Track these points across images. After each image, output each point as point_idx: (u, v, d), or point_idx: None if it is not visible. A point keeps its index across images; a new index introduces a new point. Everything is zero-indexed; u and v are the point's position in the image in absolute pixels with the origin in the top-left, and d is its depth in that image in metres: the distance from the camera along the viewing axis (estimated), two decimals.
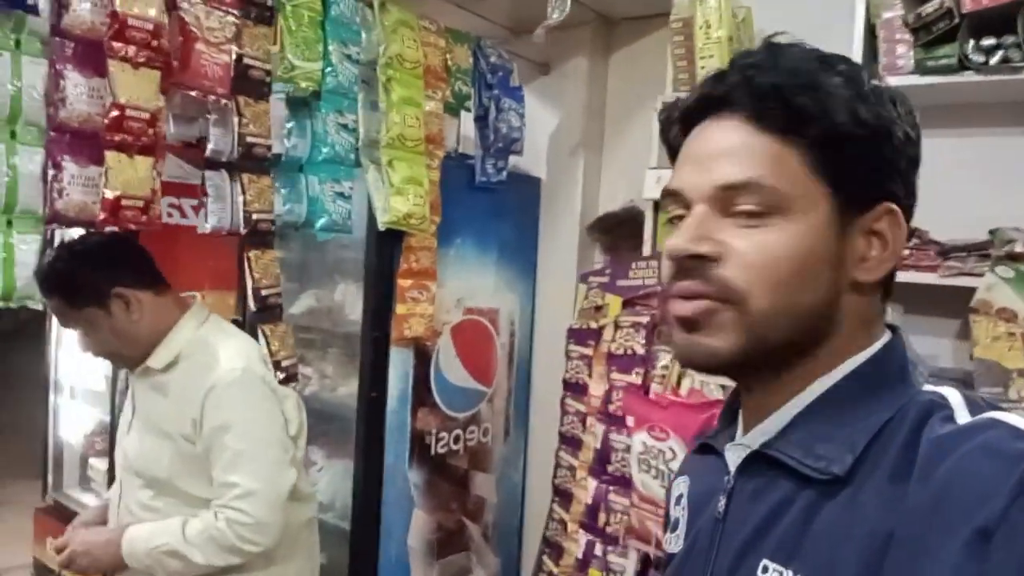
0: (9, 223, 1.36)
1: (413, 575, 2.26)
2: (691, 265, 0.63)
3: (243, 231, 1.64)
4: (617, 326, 2.16)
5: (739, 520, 0.67)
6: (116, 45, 1.43)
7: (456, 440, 2.36)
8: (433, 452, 2.28)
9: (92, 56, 1.43)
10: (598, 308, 2.30)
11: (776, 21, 2.26)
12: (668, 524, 0.82)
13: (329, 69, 1.83)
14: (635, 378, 2.07)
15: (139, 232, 1.60)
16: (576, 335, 2.31)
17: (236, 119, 1.65)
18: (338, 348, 2.40)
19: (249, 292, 1.66)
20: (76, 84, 1.43)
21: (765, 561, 0.62)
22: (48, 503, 3.25)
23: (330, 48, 1.83)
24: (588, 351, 2.27)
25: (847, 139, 0.63)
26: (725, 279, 0.62)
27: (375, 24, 1.96)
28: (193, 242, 2.08)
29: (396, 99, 1.97)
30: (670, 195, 0.68)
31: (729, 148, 0.64)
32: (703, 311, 0.63)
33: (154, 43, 1.49)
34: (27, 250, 1.39)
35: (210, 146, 1.70)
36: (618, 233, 2.48)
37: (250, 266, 1.64)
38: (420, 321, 2.12)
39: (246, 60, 1.66)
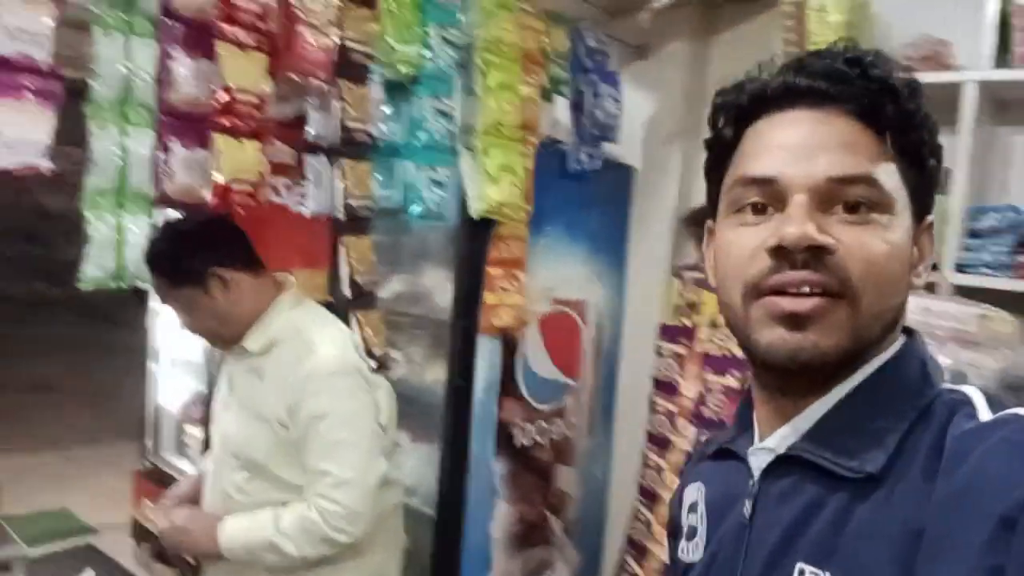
0: (120, 204, 1.38)
1: (495, 565, 2.25)
2: (805, 257, 0.62)
3: (342, 217, 1.63)
4: (715, 325, 2.08)
5: (767, 524, 0.66)
6: (226, 28, 1.43)
7: (541, 432, 2.32)
8: (517, 443, 2.25)
9: (200, 38, 1.43)
10: (692, 305, 2.22)
11: (899, 5, 2.13)
12: (679, 532, 0.81)
13: (428, 52, 1.80)
14: (731, 381, 1.99)
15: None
16: (668, 332, 2.24)
17: (338, 104, 1.64)
18: (426, 334, 2.38)
19: (345, 279, 1.66)
20: (184, 66, 1.43)
21: (800, 564, 0.62)
22: (146, 466, 3.38)
23: (429, 31, 1.80)
24: (681, 349, 2.20)
25: (930, 154, 0.67)
26: (845, 270, 0.61)
27: (473, 6, 1.91)
28: (284, 220, 2.09)
29: (493, 84, 1.92)
30: (753, 182, 0.66)
31: (840, 140, 0.63)
32: (820, 308, 0.62)
33: (262, 26, 1.49)
34: (137, 232, 1.40)
35: (311, 131, 1.70)
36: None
37: (347, 252, 1.64)
38: (509, 311, 2.09)
39: (348, 44, 1.64)
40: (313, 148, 1.69)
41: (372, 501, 1.52)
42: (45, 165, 1.23)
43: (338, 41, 1.62)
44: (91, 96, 1.33)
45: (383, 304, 2.45)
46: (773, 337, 0.63)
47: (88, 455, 4.56)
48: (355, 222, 1.66)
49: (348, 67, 1.65)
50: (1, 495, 3.96)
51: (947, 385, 0.66)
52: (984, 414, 0.61)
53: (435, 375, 2.28)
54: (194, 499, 1.64)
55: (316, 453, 1.49)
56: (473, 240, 2.05)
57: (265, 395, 1.53)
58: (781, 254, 0.63)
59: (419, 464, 2.31)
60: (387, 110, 1.85)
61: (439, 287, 2.32)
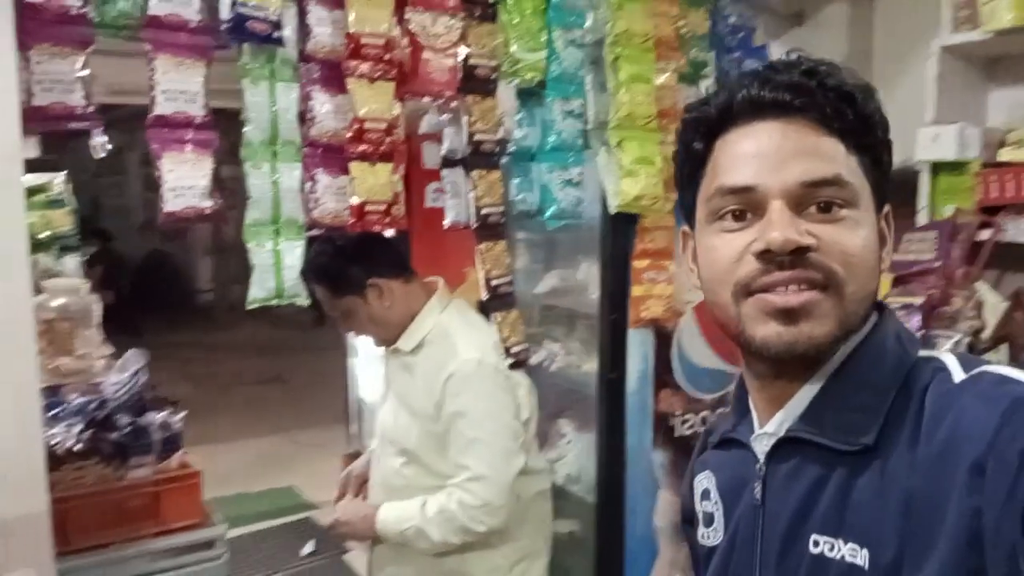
0: (277, 231, 1.57)
1: (660, 553, 2.26)
2: (791, 259, 0.67)
3: (474, 225, 1.72)
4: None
5: (779, 503, 0.72)
6: (352, 63, 1.56)
7: (703, 422, 2.28)
8: (677, 434, 2.23)
9: (335, 76, 1.58)
10: None
11: None
12: (696, 520, 0.86)
13: (553, 57, 1.83)
14: None
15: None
16: None
17: (466, 118, 1.73)
18: (582, 327, 2.43)
19: (481, 282, 1.75)
20: (323, 103, 1.59)
21: (815, 536, 0.68)
22: (352, 450, 3.76)
23: (554, 35, 1.83)
24: None
25: (885, 150, 0.73)
26: (829, 266, 0.67)
27: (600, 3, 1.91)
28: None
29: (624, 77, 1.91)
30: (731, 192, 0.71)
31: (808, 147, 0.69)
32: (810, 301, 0.67)
33: (386, 56, 1.61)
34: (293, 254, 1.58)
35: (446, 145, 1.81)
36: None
37: (482, 258, 1.73)
38: (658, 302, 2.07)
39: (472, 60, 1.72)
40: (449, 162, 1.79)
41: (509, 495, 1.61)
42: (206, 205, 1.43)
43: (462, 59, 1.71)
44: (245, 139, 1.53)
45: (539, 299, 2.54)
46: (768, 332, 0.68)
47: (310, 439, 5.12)
48: (488, 228, 1.74)
49: (473, 81, 1.73)
50: (238, 476, 4.57)
51: (923, 353, 0.71)
52: (958, 375, 0.66)
53: (592, 367, 2.32)
54: (367, 476, 1.85)
55: (456, 448, 1.61)
56: (616, 234, 2.05)
57: (416, 391, 1.67)
58: (767, 257, 0.68)
59: (581, 454, 2.37)
60: (519, 115, 1.92)
61: (593, 280, 2.35)
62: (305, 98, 1.57)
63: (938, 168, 1.88)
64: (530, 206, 1.92)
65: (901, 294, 1.86)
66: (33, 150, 3.61)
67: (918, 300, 1.80)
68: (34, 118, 1.33)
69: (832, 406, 0.70)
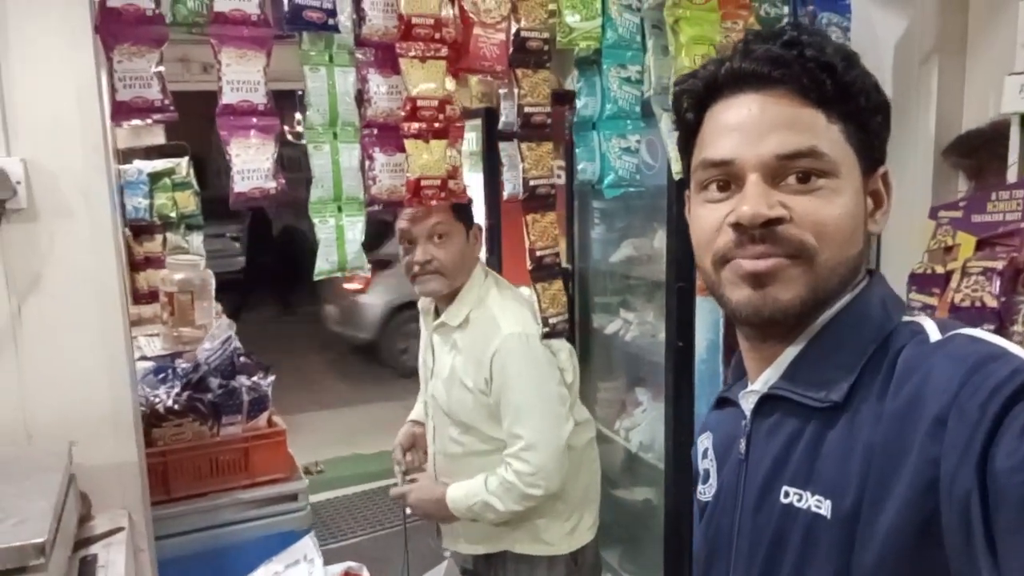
0: (339, 208, 1.67)
1: None
2: (761, 232, 0.70)
3: (521, 197, 1.76)
4: (965, 272, 1.81)
5: (759, 457, 0.76)
6: (404, 44, 1.63)
7: None
8: None
9: (389, 58, 1.65)
10: (948, 249, 1.95)
11: None
12: (698, 478, 0.90)
13: (608, 23, 1.83)
14: None
15: None
16: (919, 281, 1.99)
17: (516, 91, 1.76)
18: (657, 295, 2.42)
19: (527, 252, 1.78)
20: (378, 84, 1.66)
21: (786, 487, 0.71)
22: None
23: (608, 1, 1.82)
24: (933, 300, 1.94)
25: (873, 114, 0.74)
26: (799, 237, 0.70)
27: None
28: None
29: (685, 40, 1.87)
30: (712, 165, 0.74)
31: (785, 119, 0.71)
32: (776, 267, 0.70)
33: (437, 35, 1.66)
34: (355, 229, 1.68)
35: (502, 119, 1.85)
36: (984, 156, 2.04)
37: (527, 229, 1.76)
38: None
39: (523, 33, 1.74)
40: (505, 135, 1.83)
41: (562, 458, 1.68)
42: (270, 186, 1.55)
43: (513, 33, 1.74)
44: (307, 122, 1.63)
45: (615, 267, 2.55)
46: (740, 296, 0.73)
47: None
48: (536, 200, 1.77)
49: (525, 54, 1.75)
50: (357, 437, 4.84)
51: (906, 317, 0.73)
52: (934, 337, 0.68)
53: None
54: (416, 443, 1.96)
55: (509, 419, 1.69)
56: (682, 201, 2.02)
57: (465, 366, 1.75)
58: (741, 229, 0.71)
59: (654, 422, 2.37)
60: (579, 84, 1.93)
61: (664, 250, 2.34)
62: (362, 80, 1.66)
63: None
64: (591, 176, 1.93)
65: (984, 258, 1.75)
66: (159, 137, 3.95)
67: (999, 264, 1.68)
68: (118, 112, 1.48)
69: (811, 365, 0.73)
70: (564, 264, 2.68)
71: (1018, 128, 1.76)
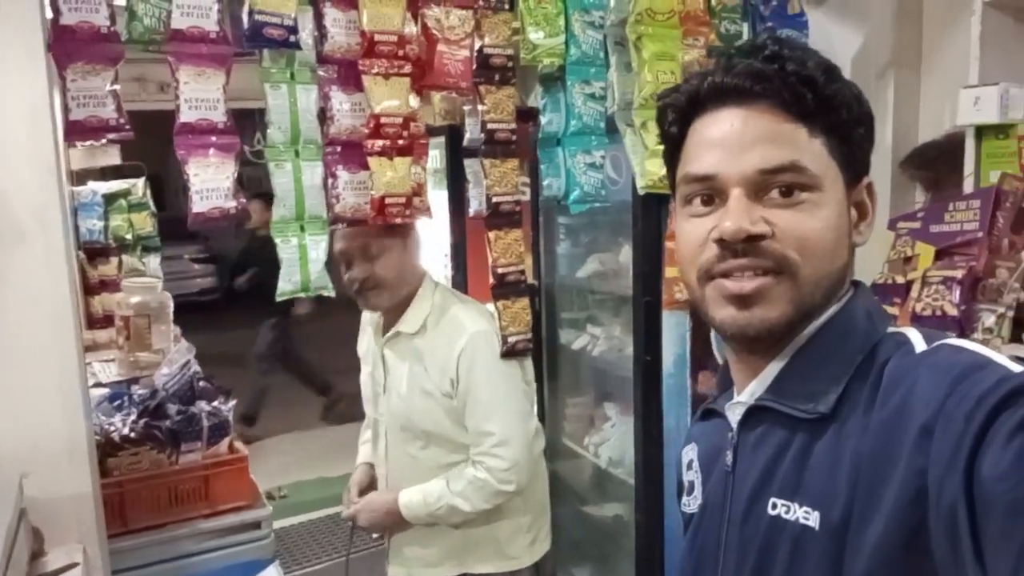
0: (302, 227, 1.64)
1: None
2: (744, 247, 0.70)
3: (484, 213, 1.75)
4: (925, 282, 1.84)
5: (746, 469, 0.75)
6: (366, 61, 1.61)
7: None
8: None
9: (352, 75, 1.63)
10: (907, 260, 1.98)
11: None
12: (682, 490, 0.89)
13: (572, 40, 1.83)
14: None
15: None
16: (880, 291, 2.02)
17: (480, 107, 1.75)
18: (624, 310, 2.42)
19: (489, 269, 1.77)
20: (341, 102, 1.64)
21: (773, 499, 0.71)
22: None
23: (571, 19, 1.83)
24: (894, 310, 1.97)
25: (855, 126, 0.74)
26: (782, 252, 0.70)
27: None
28: None
29: (648, 56, 1.88)
30: (696, 180, 0.74)
31: (767, 134, 0.71)
32: (762, 287, 0.70)
33: (400, 52, 1.65)
34: (318, 249, 1.65)
35: (466, 135, 1.84)
36: (941, 167, 2.08)
37: (490, 246, 1.75)
38: None
39: (486, 50, 1.74)
40: (470, 152, 1.82)
41: (530, 452, 1.71)
42: (230, 205, 1.51)
43: (477, 49, 1.73)
44: (268, 140, 1.60)
45: (581, 283, 2.54)
46: (724, 315, 0.73)
47: None
48: (500, 217, 1.76)
49: (489, 71, 1.75)
50: (325, 460, 4.74)
51: (891, 329, 0.73)
52: (919, 348, 0.68)
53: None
54: (371, 483, 1.91)
55: (477, 417, 1.68)
56: (648, 216, 2.03)
57: (428, 373, 1.72)
58: (724, 244, 0.71)
59: (624, 437, 2.37)
60: (543, 101, 1.93)
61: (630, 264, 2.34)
62: (324, 98, 1.64)
63: (982, 132, 1.77)
64: (556, 191, 1.93)
65: (943, 267, 1.78)
66: (115, 157, 3.87)
67: (958, 273, 1.71)
68: (72, 131, 1.44)
69: (798, 377, 0.73)
70: (531, 280, 2.67)
71: (972, 140, 1.80)
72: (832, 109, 0.71)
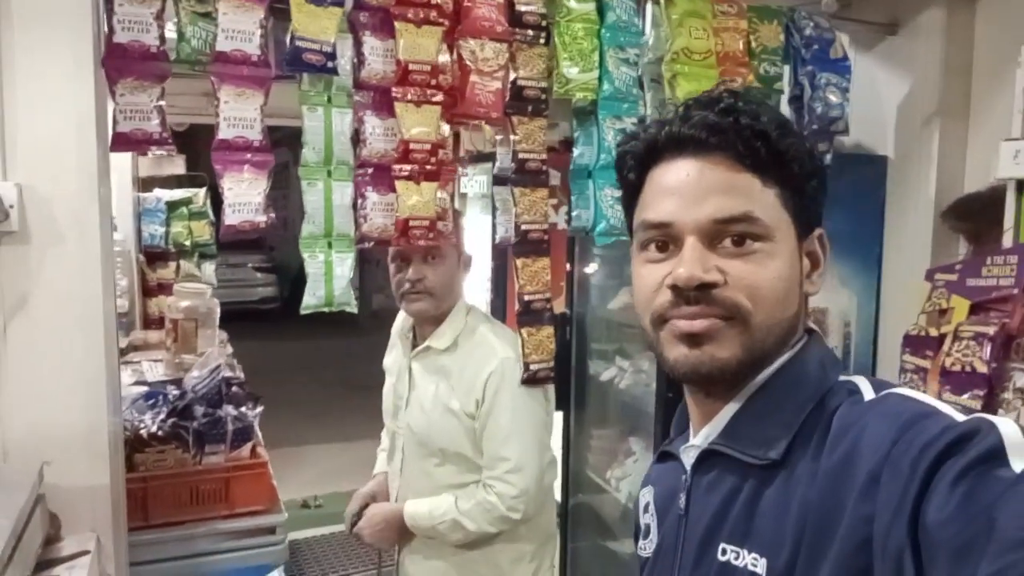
0: (329, 244, 1.70)
1: None
2: (696, 294, 0.71)
3: (513, 241, 1.77)
4: (957, 336, 1.78)
5: (698, 513, 0.76)
6: (400, 89, 1.67)
7: None
8: None
9: (386, 101, 1.69)
10: (942, 312, 1.92)
11: None
12: (639, 533, 0.89)
13: (605, 75, 1.86)
14: (971, 402, 1.69)
15: None
16: (912, 343, 1.97)
17: (512, 137, 1.79)
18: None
19: (516, 296, 1.79)
20: (374, 126, 1.70)
21: (723, 544, 0.72)
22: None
23: (606, 55, 1.86)
24: (925, 363, 1.91)
25: (807, 177, 0.75)
26: (734, 300, 0.71)
27: (662, 20, 1.92)
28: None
29: (682, 95, 1.89)
30: (652, 226, 0.76)
31: (721, 184, 0.73)
32: (711, 327, 0.72)
33: (433, 81, 1.70)
34: (344, 266, 1.71)
35: (497, 164, 1.88)
36: (982, 220, 2.02)
37: (517, 273, 1.77)
38: None
39: (520, 82, 1.78)
40: (500, 180, 1.86)
41: (541, 483, 1.71)
42: (260, 220, 1.58)
43: (511, 81, 1.77)
44: (302, 159, 1.67)
45: (612, 314, 2.54)
46: (677, 354, 0.74)
47: None
48: (528, 245, 1.78)
49: (521, 102, 1.79)
50: (354, 473, 4.79)
51: (842, 377, 0.74)
52: (868, 395, 0.69)
53: None
54: (380, 495, 1.92)
55: (495, 441, 1.69)
56: None
57: (453, 391, 1.74)
58: (677, 290, 0.73)
59: (645, 472, 2.34)
60: (576, 134, 1.96)
61: None
62: (358, 121, 1.70)
63: (1023, 187, 1.72)
64: (585, 223, 1.94)
65: (976, 322, 1.72)
66: (179, 168, 4.06)
67: (991, 330, 1.66)
68: (118, 142, 1.53)
69: (750, 422, 0.74)
70: (563, 309, 2.69)
71: (1013, 194, 1.75)
72: (785, 162, 0.73)
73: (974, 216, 2.03)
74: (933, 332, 1.90)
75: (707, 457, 0.77)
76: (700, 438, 0.78)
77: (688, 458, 0.79)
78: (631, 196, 0.81)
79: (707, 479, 0.76)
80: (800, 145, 0.74)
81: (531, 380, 1.71)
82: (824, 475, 0.65)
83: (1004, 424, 0.57)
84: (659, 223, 0.75)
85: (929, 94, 2.16)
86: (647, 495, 0.89)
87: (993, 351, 1.64)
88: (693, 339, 0.72)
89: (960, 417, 0.61)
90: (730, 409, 0.76)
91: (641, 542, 0.88)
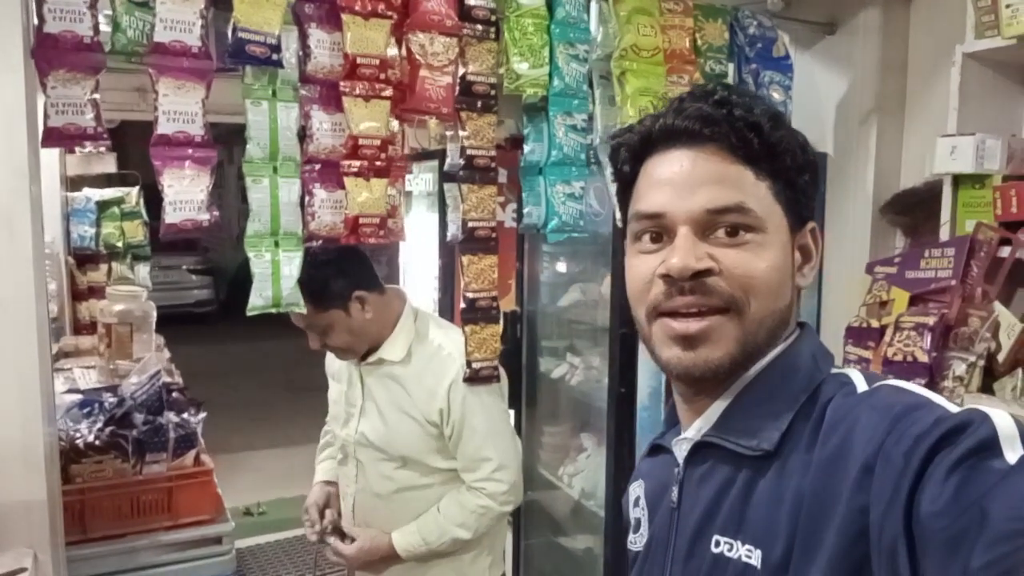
0: (276, 243, 1.64)
1: None
2: (691, 284, 0.71)
3: (460, 238, 1.75)
4: (898, 327, 1.84)
5: (691, 505, 0.76)
6: (348, 83, 1.63)
7: None
8: None
9: (333, 95, 1.65)
10: (883, 304, 1.98)
11: None
12: (629, 527, 0.89)
13: (556, 72, 1.85)
14: None
15: None
16: (854, 334, 2.02)
17: (461, 133, 1.77)
18: (602, 341, 2.42)
19: (460, 294, 1.77)
20: (321, 121, 1.66)
21: (716, 536, 0.71)
22: None
23: (556, 51, 1.85)
24: (868, 354, 1.97)
25: (799, 171, 0.76)
26: (728, 290, 0.71)
27: (610, 16, 1.92)
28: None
29: (631, 91, 1.90)
30: (645, 217, 0.76)
31: (714, 175, 0.73)
32: (707, 328, 0.72)
33: (382, 76, 1.66)
34: (291, 265, 1.65)
35: (448, 160, 1.85)
36: (919, 214, 2.09)
37: (463, 270, 1.75)
38: None
39: (469, 77, 1.76)
40: (449, 176, 1.83)
41: (521, 471, 1.75)
42: (203, 218, 1.52)
43: (460, 76, 1.75)
44: (247, 155, 1.61)
45: (563, 312, 2.54)
46: (670, 355, 0.74)
47: None
48: (475, 242, 1.76)
49: (471, 97, 1.76)
50: (301, 478, 4.69)
51: (835, 369, 0.74)
52: (861, 387, 0.69)
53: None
54: (330, 503, 1.88)
55: (474, 444, 1.68)
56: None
57: (413, 399, 1.71)
58: (670, 281, 0.72)
59: (598, 469, 2.35)
60: (527, 130, 1.95)
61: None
62: (305, 116, 1.65)
63: (959, 181, 1.79)
64: (536, 220, 1.93)
65: (916, 313, 1.78)
66: (111, 166, 3.90)
67: (931, 320, 1.71)
68: (50, 137, 1.45)
69: (743, 414, 0.74)
70: (514, 307, 2.68)
71: (950, 188, 1.81)
72: (777, 155, 0.73)
73: (911, 210, 2.10)
74: (874, 323, 1.96)
75: (700, 449, 0.77)
76: (692, 431, 0.78)
77: (680, 451, 0.79)
78: (625, 188, 0.81)
79: (700, 471, 0.76)
80: (792, 138, 0.75)
81: (473, 379, 1.69)
82: (818, 466, 0.65)
83: (997, 415, 0.58)
84: (652, 214, 0.74)
85: (866, 92, 2.22)
86: (637, 489, 0.89)
87: (933, 341, 1.70)
88: (687, 341, 0.72)
89: (953, 408, 0.61)
90: (723, 402, 0.76)
91: (631, 536, 0.88)
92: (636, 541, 0.86)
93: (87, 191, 3.57)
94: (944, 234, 1.83)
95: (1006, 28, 1.63)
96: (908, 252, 1.99)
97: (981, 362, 1.65)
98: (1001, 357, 1.64)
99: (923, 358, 1.73)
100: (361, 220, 1.66)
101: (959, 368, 1.69)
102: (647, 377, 2.10)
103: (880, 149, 2.20)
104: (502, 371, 1.77)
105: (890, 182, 2.20)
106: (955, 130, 1.80)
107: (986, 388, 1.69)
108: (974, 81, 1.82)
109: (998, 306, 1.66)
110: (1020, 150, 1.71)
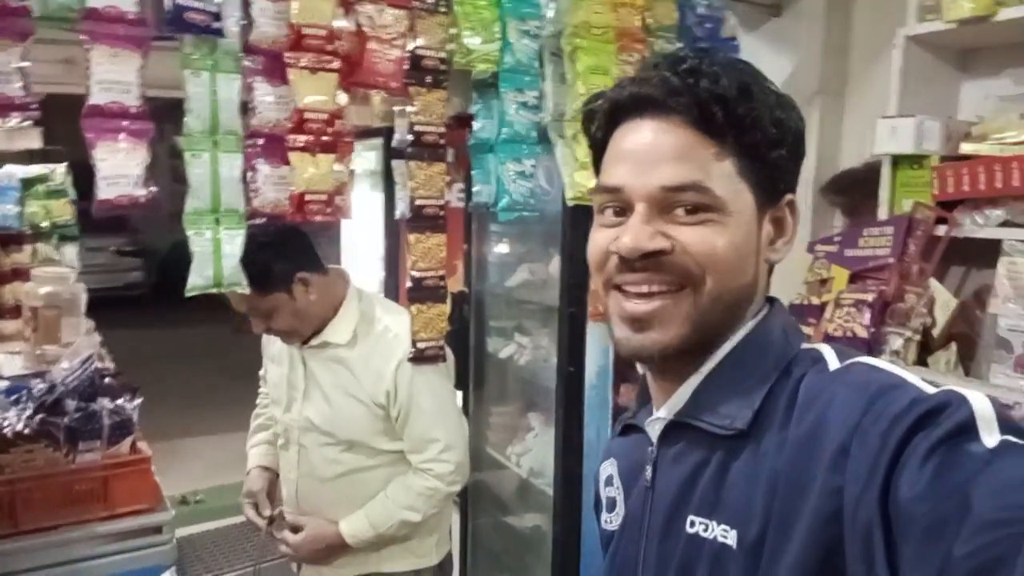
0: (217, 220, 1.57)
1: None
2: (642, 262, 0.70)
3: (407, 216, 1.71)
4: (838, 304, 1.89)
5: (665, 485, 0.75)
6: (293, 54, 1.57)
7: None
8: None
9: (277, 67, 1.59)
10: (823, 282, 2.03)
11: None
12: (601, 506, 0.89)
13: (507, 48, 1.83)
14: None
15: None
16: (796, 311, 2.06)
17: (409, 109, 1.73)
18: (550, 320, 2.42)
19: (407, 273, 1.74)
20: (265, 93, 1.59)
21: (691, 517, 0.71)
22: None
23: (508, 26, 1.82)
24: (809, 330, 2.01)
25: (771, 146, 0.72)
26: (683, 265, 0.70)
27: None
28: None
29: (582, 69, 1.89)
30: (606, 191, 0.74)
31: (672, 151, 0.70)
32: (657, 309, 0.71)
33: (329, 47, 1.61)
34: (232, 243, 1.59)
35: (396, 137, 1.81)
36: (858, 194, 2.15)
37: (409, 249, 1.72)
38: None
39: (419, 51, 1.72)
40: (398, 153, 1.79)
41: (467, 452, 1.75)
42: (140, 194, 1.45)
43: (410, 50, 1.71)
44: (185, 128, 1.54)
45: (510, 291, 2.53)
46: (621, 335, 0.74)
47: None
48: (423, 220, 1.73)
49: (420, 72, 1.72)
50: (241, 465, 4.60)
51: (805, 345, 0.74)
52: (833, 365, 0.68)
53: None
54: (271, 489, 1.85)
55: (422, 425, 1.67)
56: (576, 227, 2.05)
57: (359, 381, 1.68)
58: (622, 257, 0.71)
59: (546, 447, 2.36)
60: (477, 107, 1.92)
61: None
62: (247, 88, 1.58)
63: (898, 162, 1.83)
64: (486, 198, 1.91)
65: (855, 290, 1.83)
66: (36, 141, 3.69)
67: (869, 297, 1.76)
68: None
69: (715, 393, 0.73)
70: (461, 287, 2.65)
71: (888, 168, 1.86)
72: (744, 129, 0.70)
73: (850, 190, 2.15)
74: (815, 300, 2.00)
75: (673, 429, 0.76)
76: (665, 410, 0.77)
77: (653, 430, 0.78)
78: (597, 157, 0.79)
79: (673, 451, 0.75)
80: (763, 111, 0.70)
81: (419, 358, 1.66)
82: (792, 445, 0.64)
83: (974, 397, 0.57)
84: (611, 187, 0.73)
85: (809, 73, 2.26)
86: (609, 468, 0.88)
87: (872, 317, 1.75)
88: (637, 322, 0.71)
89: (929, 389, 0.61)
90: (694, 381, 0.75)
91: (605, 515, 0.87)
92: (612, 520, 0.86)
93: (9, 167, 3.38)
94: (882, 213, 1.88)
95: (947, 12, 1.67)
96: (847, 231, 2.04)
97: (917, 337, 1.70)
98: (936, 332, 1.70)
99: (862, 333, 1.78)
100: (307, 197, 1.61)
101: (896, 343, 1.74)
102: (595, 356, 2.11)
103: (822, 131, 2.24)
104: (449, 351, 1.75)
105: (831, 163, 2.24)
106: (895, 112, 1.84)
107: (921, 361, 1.76)
108: (915, 64, 1.87)
109: (934, 283, 1.72)
110: (957, 132, 1.76)
